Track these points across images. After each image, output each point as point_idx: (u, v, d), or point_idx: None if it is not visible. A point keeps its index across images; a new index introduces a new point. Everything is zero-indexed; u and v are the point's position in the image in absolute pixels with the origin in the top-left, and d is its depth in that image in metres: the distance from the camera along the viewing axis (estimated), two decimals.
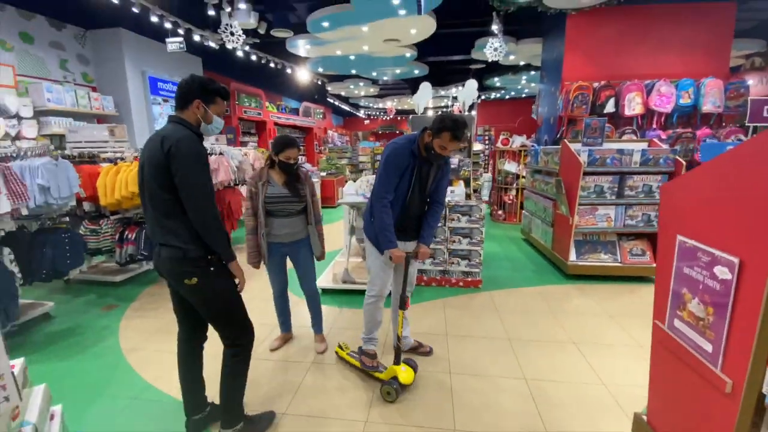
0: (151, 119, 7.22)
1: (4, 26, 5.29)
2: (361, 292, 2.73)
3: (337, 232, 6.61)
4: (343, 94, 13.17)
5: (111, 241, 4.03)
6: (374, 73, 10.27)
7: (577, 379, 2.42)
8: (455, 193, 4.38)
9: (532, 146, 6.58)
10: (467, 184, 5.42)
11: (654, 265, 4.08)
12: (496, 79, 11.03)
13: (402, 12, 5.81)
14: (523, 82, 11.29)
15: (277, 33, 6.96)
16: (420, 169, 2.22)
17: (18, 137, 5.28)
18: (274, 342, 2.85)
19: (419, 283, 4.03)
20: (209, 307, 1.80)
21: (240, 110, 9.55)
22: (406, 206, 2.27)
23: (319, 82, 11.01)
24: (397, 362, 2.29)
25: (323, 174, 9.42)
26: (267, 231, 2.47)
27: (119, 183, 3.71)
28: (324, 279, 3.97)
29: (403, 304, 2.33)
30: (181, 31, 6.16)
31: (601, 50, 5.90)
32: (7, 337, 2.86)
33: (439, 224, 3.87)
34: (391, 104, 15.10)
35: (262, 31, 6.37)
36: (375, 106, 16.41)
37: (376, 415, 2.13)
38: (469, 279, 3.97)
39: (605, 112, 5.51)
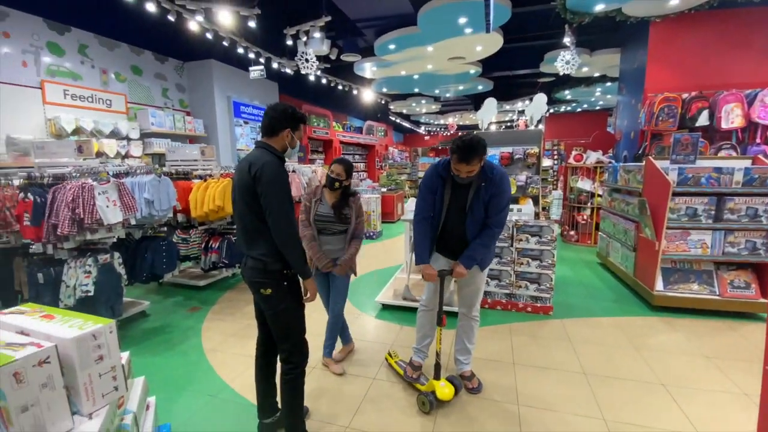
0: (233, 139, 7.96)
1: (119, 61, 6.24)
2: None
3: (398, 247, 6.66)
4: (404, 111, 13.43)
5: (198, 249, 4.47)
6: (437, 91, 10.35)
7: (668, 427, 2.15)
8: (523, 211, 4.22)
9: (610, 163, 6.12)
10: (536, 202, 5.19)
11: (763, 300, 3.53)
12: (566, 92, 10.53)
13: (468, 30, 5.82)
14: (597, 94, 10.63)
15: (347, 58, 7.35)
16: (455, 190, 2.30)
17: (127, 155, 6.13)
18: (338, 354, 2.91)
19: (482, 305, 3.88)
20: (274, 319, 1.92)
21: (310, 130, 10.16)
22: (444, 225, 2.37)
23: (382, 101, 11.36)
24: (437, 377, 2.33)
25: (383, 190, 9.60)
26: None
27: (208, 198, 4.12)
28: (384, 295, 4.01)
29: (439, 321, 2.33)
30: (262, 60, 6.77)
31: (689, 59, 5.38)
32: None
33: (496, 246, 3.72)
34: (452, 120, 15.05)
35: (333, 57, 6.76)
36: (436, 122, 16.46)
37: None
38: (539, 305, 3.75)
39: (697, 125, 4.98)
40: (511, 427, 2.16)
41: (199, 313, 3.89)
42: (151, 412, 1.96)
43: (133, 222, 3.15)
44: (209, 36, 5.63)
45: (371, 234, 7.71)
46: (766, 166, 3.63)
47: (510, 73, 9.08)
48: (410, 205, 4.22)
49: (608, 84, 9.40)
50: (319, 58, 6.58)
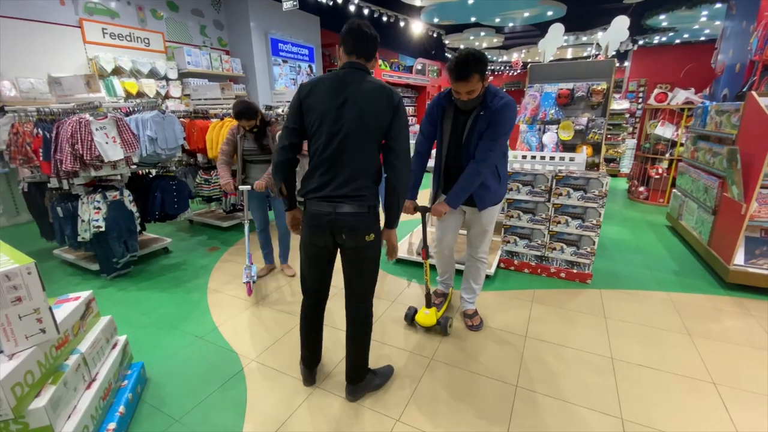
0: (272, 79, 7.74)
1: None
2: (434, 267, 3.00)
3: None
4: (461, 47, 12.08)
5: (220, 190, 4.47)
6: (498, 20, 9.00)
7: None
8: (575, 161, 3.51)
9: (702, 103, 4.90)
10: (597, 150, 4.38)
11: None
12: (662, 16, 8.54)
13: None
14: (703, 19, 8.49)
15: None
16: (456, 120, 2.13)
17: (167, 96, 6.21)
18: (261, 271, 3.37)
19: (508, 266, 3.44)
20: (372, 263, 1.78)
21: None
22: (446, 160, 2.24)
23: (435, 35, 10.24)
24: (427, 306, 2.45)
25: None
26: (245, 177, 3.05)
27: (222, 137, 3.98)
28: (399, 248, 3.71)
29: (422, 254, 2.43)
30: None
31: None
32: (130, 264, 3.41)
33: (530, 201, 3.18)
34: (517, 56, 13.32)
35: None
36: (499, 60, 14.74)
37: (408, 415, 1.83)
38: (575, 270, 3.21)
39: None
40: (500, 412, 1.84)
41: (216, 253, 3.94)
42: (116, 350, 1.94)
43: (135, 160, 3.11)
44: None
45: None
46: None
47: None
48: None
49: (718, 5, 7.41)
50: None
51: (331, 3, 6.92)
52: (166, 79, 6.15)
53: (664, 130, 5.53)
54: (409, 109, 12.00)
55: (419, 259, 3.50)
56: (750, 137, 2.99)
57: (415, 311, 2.52)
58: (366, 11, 7.63)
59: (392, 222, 1.74)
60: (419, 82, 11.81)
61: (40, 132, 2.93)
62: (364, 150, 1.59)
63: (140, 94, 5.73)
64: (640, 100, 10.95)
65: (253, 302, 2.93)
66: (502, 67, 16.66)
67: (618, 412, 1.84)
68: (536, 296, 2.98)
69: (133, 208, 3.27)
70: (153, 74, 5.94)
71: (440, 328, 2.44)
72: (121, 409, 1.69)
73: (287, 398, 1.93)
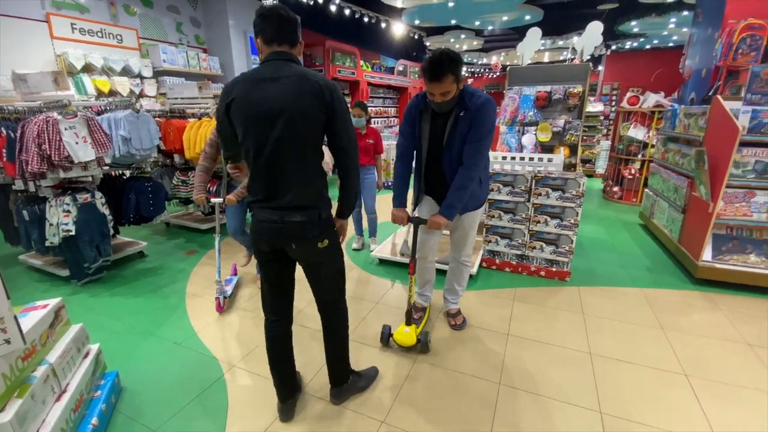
0: None
1: None
2: None
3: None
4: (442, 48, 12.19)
5: None
6: (477, 23, 9.15)
7: (677, 427, 1.75)
8: (553, 161, 3.59)
9: (671, 106, 5.11)
10: (574, 151, 4.48)
11: None
12: (633, 23, 8.88)
13: None
14: (671, 26, 8.88)
15: None
16: (435, 122, 2.08)
17: (141, 95, 6.01)
18: (243, 259, 3.40)
19: (489, 266, 3.49)
20: (331, 269, 1.69)
21: (334, 70, 9.51)
22: (427, 163, 2.19)
23: (416, 36, 10.30)
24: (407, 323, 2.28)
25: None
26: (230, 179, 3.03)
27: (200, 137, 3.89)
28: (382, 249, 3.71)
29: (410, 269, 2.28)
30: None
31: None
32: (102, 269, 3.28)
33: (510, 202, 3.24)
34: (496, 59, 13.56)
35: None
36: (479, 62, 14.97)
37: (393, 416, 1.83)
38: (554, 269, 3.28)
39: None
40: (484, 411, 1.86)
41: (195, 257, 3.84)
42: (89, 359, 1.86)
43: (108, 161, 3.00)
44: None
45: (387, 183, 7.29)
46: None
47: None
48: None
49: (685, 13, 7.77)
50: None
51: (312, 3, 6.87)
52: (141, 77, 5.95)
53: (637, 132, 5.73)
54: (391, 110, 12.04)
55: (402, 259, 3.51)
56: (716, 139, 3.14)
57: (390, 330, 2.33)
58: (347, 11, 7.61)
59: (344, 214, 1.67)
60: (401, 83, 11.86)
61: (4, 131, 2.78)
62: (305, 154, 1.46)
63: (113, 93, 5.52)
64: (614, 102, 11.33)
65: (235, 306, 2.87)
66: (482, 70, 16.92)
67: (597, 405, 1.89)
68: (517, 294, 3.03)
69: (105, 210, 3.14)
70: (126, 72, 5.73)
71: (420, 346, 2.27)
72: (94, 421, 1.61)
73: (270, 404, 1.89)
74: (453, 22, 9.07)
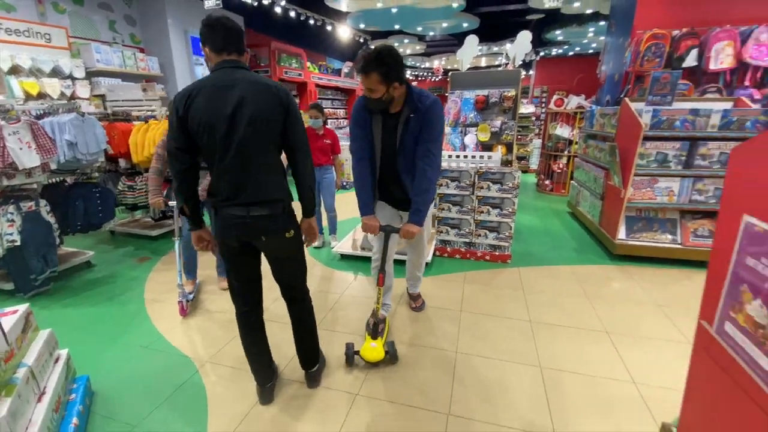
0: (194, 80, 7.36)
1: None
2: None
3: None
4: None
5: (145, 197, 4.21)
6: (420, 28, 9.60)
7: (602, 374, 2.13)
8: (492, 159, 3.99)
9: (590, 107, 5.81)
10: (510, 149, 4.95)
11: None
12: (557, 32, 9.85)
13: None
14: (590, 35, 9.97)
15: None
16: (386, 124, 2.06)
17: (73, 97, 5.61)
18: (188, 286, 3.03)
19: (442, 254, 3.81)
20: (298, 257, 1.83)
21: (281, 71, 9.45)
22: (381, 167, 2.16)
23: (361, 40, 10.54)
24: (373, 336, 2.18)
25: None
26: None
27: (149, 141, 3.79)
28: (344, 245, 3.89)
29: (378, 280, 2.20)
30: None
31: None
32: (49, 281, 3.11)
33: (458, 195, 3.57)
34: (438, 63, 14.22)
35: None
36: (422, 66, 15.58)
37: (365, 388, 2.02)
38: (497, 253, 3.67)
39: (684, 66, 4.63)
40: (445, 374, 2.12)
41: (148, 264, 3.74)
42: (60, 364, 1.85)
43: (53, 166, 2.87)
44: None
45: (345, 183, 7.45)
46: (748, 108, 3.42)
47: (496, 9, 8.37)
48: None
49: (602, 23, 8.77)
50: None
51: (256, 3, 6.82)
52: (72, 78, 5.56)
53: (563, 131, 6.43)
54: (340, 112, 12.17)
55: (364, 253, 3.70)
56: (625, 135, 3.70)
57: (353, 347, 2.19)
58: (292, 13, 7.63)
59: (309, 213, 1.77)
60: (348, 85, 12.02)
61: None
62: (267, 153, 1.57)
63: (42, 95, 5.11)
64: (544, 104, 12.41)
65: (199, 308, 2.89)
66: (425, 73, 17.60)
67: (537, 362, 2.23)
68: (467, 277, 3.36)
69: (51, 219, 2.99)
70: (56, 73, 5.33)
71: (389, 358, 2.19)
72: (75, 420, 1.63)
73: (249, 390, 1.99)
74: (396, 27, 9.43)
